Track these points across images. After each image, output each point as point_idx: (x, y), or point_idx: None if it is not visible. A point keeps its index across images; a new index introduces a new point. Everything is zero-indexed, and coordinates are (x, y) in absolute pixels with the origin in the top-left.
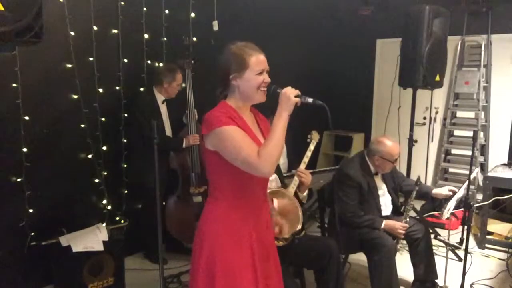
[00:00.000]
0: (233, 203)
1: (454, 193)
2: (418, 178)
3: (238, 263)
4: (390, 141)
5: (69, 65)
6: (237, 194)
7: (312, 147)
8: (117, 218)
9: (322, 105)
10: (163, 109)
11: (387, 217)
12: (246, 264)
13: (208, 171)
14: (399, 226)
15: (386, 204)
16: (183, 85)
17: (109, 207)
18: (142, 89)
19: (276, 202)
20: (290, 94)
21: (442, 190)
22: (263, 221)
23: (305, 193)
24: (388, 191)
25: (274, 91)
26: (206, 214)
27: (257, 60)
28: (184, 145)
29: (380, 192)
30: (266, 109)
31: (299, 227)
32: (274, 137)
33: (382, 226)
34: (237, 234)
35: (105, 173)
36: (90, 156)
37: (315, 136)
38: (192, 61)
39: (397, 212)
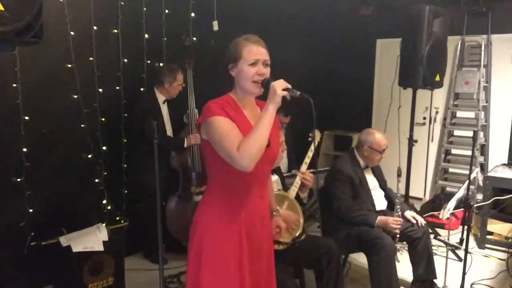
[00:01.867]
0: (226, 195)
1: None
2: (399, 169)
3: (224, 253)
4: (378, 132)
5: (69, 65)
6: (228, 185)
7: (313, 147)
8: (117, 218)
9: (307, 99)
10: (164, 109)
11: (382, 212)
12: (232, 258)
13: (205, 161)
14: (392, 220)
15: (379, 198)
16: (183, 85)
17: (109, 207)
18: (143, 89)
19: (280, 211)
20: (277, 87)
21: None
22: (257, 218)
23: (306, 194)
24: (380, 186)
25: (267, 83)
26: (201, 204)
27: (251, 50)
28: (185, 145)
29: (370, 186)
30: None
31: (300, 231)
32: (256, 131)
33: (376, 222)
34: (226, 226)
35: (105, 173)
36: (90, 156)
37: (316, 135)
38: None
39: (393, 208)
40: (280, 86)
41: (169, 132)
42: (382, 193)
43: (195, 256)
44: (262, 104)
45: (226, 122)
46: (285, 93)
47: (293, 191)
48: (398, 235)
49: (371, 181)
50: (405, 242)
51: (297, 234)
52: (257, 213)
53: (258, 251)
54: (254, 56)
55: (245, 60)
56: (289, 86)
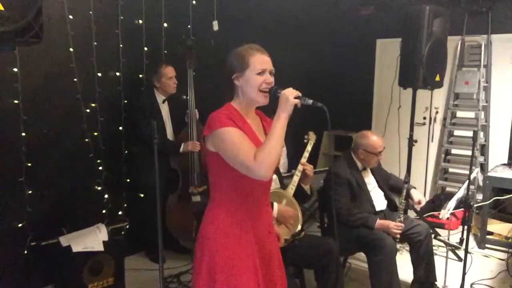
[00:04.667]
0: (233, 206)
1: (420, 203)
2: (406, 176)
3: (239, 267)
4: (374, 135)
5: (69, 65)
6: (237, 197)
7: (309, 147)
8: (117, 218)
9: (321, 107)
10: (164, 109)
11: (382, 212)
12: (247, 268)
13: (209, 173)
14: (393, 225)
15: (378, 198)
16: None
17: (109, 207)
18: (142, 90)
19: (276, 206)
20: (289, 96)
21: (415, 195)
22: (265, 225)
23: (308, 185)
24: (379, 186)
25: (275, 92)
26: (206, 218)
27: (258, 59)
28: (181, 149)
29: (369, 187)
30: (270, 111)
31: (299, 228)
32: (271, 140)
33: (375, 225)
34: (236, 238)
35: (105, 173)
36: (90, 155)
37: (311, 137)
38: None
39: (393, 208)
40: (291, 94)
41: (170, 132)
42: (382, 193)
43: (207, 273)
44: (260, 114)
45: (238, 132)
46: (297, 101)
47: (291, 189)
48: (398, 238)
49: (370, 182)
50: (405, 243)
51: (296, 230)
52: (265, 221)
53: (268, 259)
54: (262, 65)
55: (253, 69)
56: (300, 94)
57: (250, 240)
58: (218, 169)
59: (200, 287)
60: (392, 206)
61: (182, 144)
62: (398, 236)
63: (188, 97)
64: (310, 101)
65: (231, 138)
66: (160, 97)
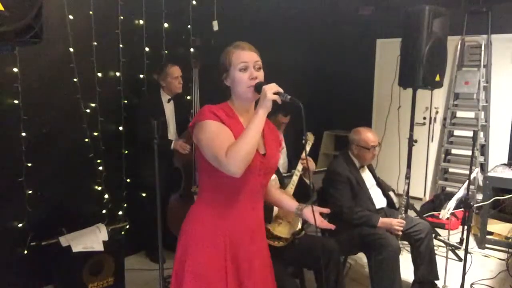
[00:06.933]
0: (212, 203)
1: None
2: (408, 172)
3: (207, 265)
4: (367, 130)
5: (69, 65)
6: (217, 195)
7: (307, 148)
8: (117, 218)
9: (298, 104)
10: (169, 108)
11: (382, 210)
12: (216, 267)
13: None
14: (396, 223)
15: (377, 196)
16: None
17: (109, 207)
18: (144, 89)
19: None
20: (267, 91)
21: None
22: (246, 232)
23: (311, 179)
24: (378, 184)
25: (259, 88)
26: (189, 212)
27: (238, 56)
28: (172, 147)
29: (368, 185)
30: (270, 112)
31: (299, 226)
32: (245, 136)
33: (378, 223)
34: (210, 236)
35: (105, 173)
36: (90, 155)
37: (310, 138)
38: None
39: (392, 205)
40: (270, 90)
41: (173, 131)
42: (380, 191)
43: (179, 264)
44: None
45: (216, 125)
46: (275, 97)
47: (290, 189)
48: (399, 236)
49: (368, 179)
50: (406, 242)
51: (296, 229)
52: (246, 227)
53: (247, 268)
54: (242, 59)
55: (234, 67)
56: (281, 90)
57: (223, 240)
58: (200, 162)
59: (173, 277)
60: (392, 205)
61: (173, 141)
62: (400, 233)
63: (193, 97)
64: (289, 97)
65: (208, 131)
66: (165, 96)
